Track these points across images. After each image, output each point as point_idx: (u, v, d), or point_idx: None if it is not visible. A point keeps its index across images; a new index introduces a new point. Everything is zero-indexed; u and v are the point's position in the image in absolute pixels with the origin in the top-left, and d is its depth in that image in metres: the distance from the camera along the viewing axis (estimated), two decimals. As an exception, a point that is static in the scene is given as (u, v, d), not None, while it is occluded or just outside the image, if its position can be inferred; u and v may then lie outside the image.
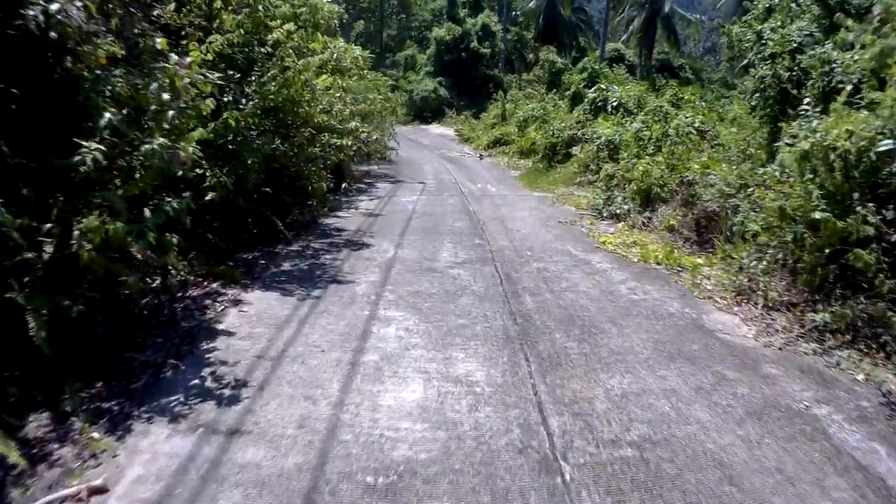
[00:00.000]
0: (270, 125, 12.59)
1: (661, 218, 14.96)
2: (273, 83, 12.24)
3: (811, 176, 9.46)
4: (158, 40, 8.03)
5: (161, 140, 7.30)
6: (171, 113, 7.53)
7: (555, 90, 37.97)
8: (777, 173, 10.74)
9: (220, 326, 8.87)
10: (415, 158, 30.68)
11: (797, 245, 9.51)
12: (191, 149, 7.69)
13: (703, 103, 24.60)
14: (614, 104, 25.72)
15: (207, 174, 10.70)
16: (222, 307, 9.63)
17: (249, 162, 11.40)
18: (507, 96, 43.20)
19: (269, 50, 13.13)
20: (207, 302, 9.79)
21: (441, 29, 58.83)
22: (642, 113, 21.44)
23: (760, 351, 8.38)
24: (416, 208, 17.85)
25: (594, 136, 22.05)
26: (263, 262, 12.07)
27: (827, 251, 9.06)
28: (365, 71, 25.02)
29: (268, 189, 12.79)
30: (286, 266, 11.86)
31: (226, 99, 11.77)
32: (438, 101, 54.18)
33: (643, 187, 16.03)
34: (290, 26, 13.26)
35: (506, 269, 11.82)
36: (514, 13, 70.31)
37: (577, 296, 10.35)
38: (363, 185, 22.14)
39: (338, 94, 14.99)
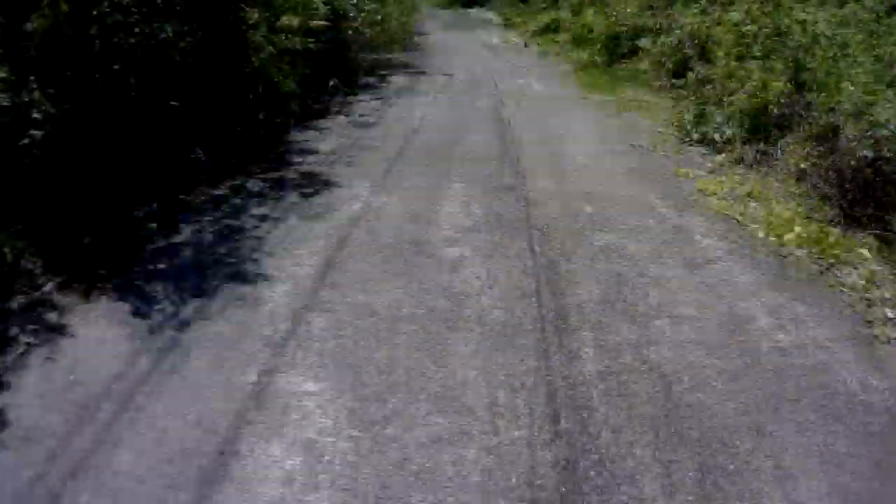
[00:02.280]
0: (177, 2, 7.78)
1: (783, 155, 10.09)
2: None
3: None
4: None
5: None
6: None
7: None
8: None
9: (-4, 402, 4.51)
10: (447, 45, 25.25)
11: None
12: None
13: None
14: (696, -15, 20.08)
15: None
16: (27, 344, 5.29)
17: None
18: (561, -25, 37.36)
19: None
20: (14, 331, 5.48)
21: None
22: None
23: None
24: (428, 115, 12.78)
25: (673, 26, 16.63)
26: (155, 224, 7.53)
27: None
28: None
29: (174, 102, 8.25)
30: (185, 234, 7.30)
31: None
32: (482, -18, 48.02)
33: (756, 105, 10.96)
34: None
35: (549, 248, 6.91)
36: None
37: (678, 337, 5.42)
38: (372, 79, 17.04)
39: None
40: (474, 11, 43.36)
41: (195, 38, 8.14)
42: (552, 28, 27.62)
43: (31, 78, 6.34)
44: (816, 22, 12.15)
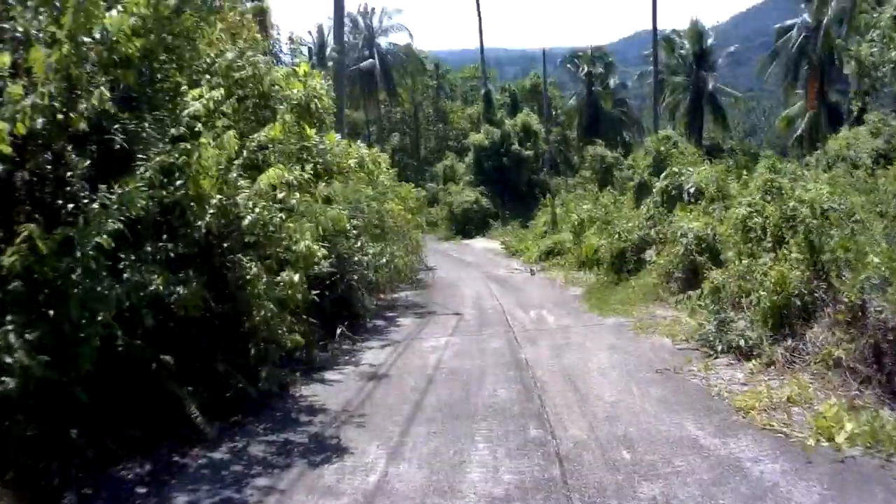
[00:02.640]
0: (170, 251, 7.52)
1: (813, 347, 9.70)
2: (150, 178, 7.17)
3: None
4: None
5: None
6: None
7: (609, 187, 33.28)
8: None
9: None
10: (453, 280, 25.18)
11: None
12: None
13: (806, 172, 19.41)
14: (691, 190, 20.26)
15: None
16: None
17: (84, 322, 6.30)
18: (557, 200, 38.19)
19: (184, 130, 8.29)
20: None
21: (479, 134, 54.38)
22: (747, 191, 15.86)
23: None
24: (441, 361, 12.06)
25: (677, 233, 16.44)
26: (145, 489, 6.88)
27: None
28: (380, 176, 20.16)
29: (167, 357, 7.89)
30: (179, 504, 6.47)
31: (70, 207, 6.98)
32: (481, 212, 49.15)
33: (778, 302, 10.58)
34: (217, 93, 8.42)
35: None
36: (554, 112, 66.73)
37: None
38: (381, 322, 16.57)
39: (279, 194, 9.30)
40: (475, 241, 44.10)
41: (190, 289, 7.73)
42: (556, 252, 27.71)
43: (8, 316, 5.88)
44: (823, 198, 11.99)
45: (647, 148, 30.12)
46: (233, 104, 9.42)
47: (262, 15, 18.65)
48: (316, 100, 12.45)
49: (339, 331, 13.60)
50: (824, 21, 41.58)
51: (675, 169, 22.02)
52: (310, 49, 58.80)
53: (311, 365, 11.68)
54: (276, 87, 11.57)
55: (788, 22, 48.81)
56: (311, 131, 12.55)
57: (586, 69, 63.96)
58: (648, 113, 65.18)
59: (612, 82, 65.70)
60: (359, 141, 19.30)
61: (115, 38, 6.77)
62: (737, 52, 74.24)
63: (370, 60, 64.21)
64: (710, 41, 59.17)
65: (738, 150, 55.31)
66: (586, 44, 68.60)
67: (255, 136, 9.48)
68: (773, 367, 9.92)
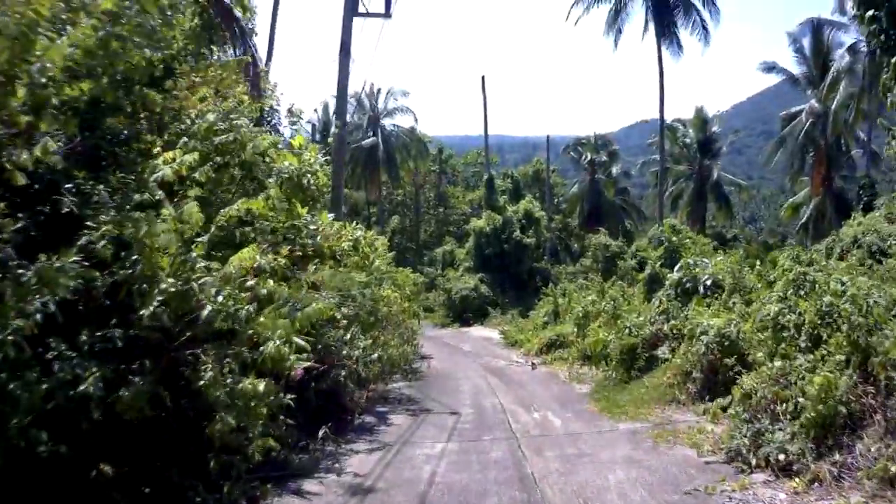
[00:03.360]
0: (118, 340, 6.24)
1: (865, 461, 8.54)
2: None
3: None
4: None
5: None
6: None
7: (613, 277, 32.26)
8: None
9: None
10: (450, 371, 23.87)
11: None
12: None
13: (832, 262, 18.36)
14: (708, 283, 19.11)
15: None
16: None
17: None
18: (558, 289, 37.00)
19: (147, 198, 7.17)
20: None
21: (480, 220, 53.55)
22: (776, 285, 14.56)
23: None
24: (436, 473, 10.55)
25: (696, 329, 15.07)
26: None
27: None
28: (377, 261, 18.92)
29: (106, 467, 6.71)
30: None
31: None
32: (480, 300, 47.85)
33: (824, 411, 9.30)
34: (190, 158, 7.30)
35: None
36: (556, 200, 66.39)
37: None
38: (371, 419, 15.11)
39: (249, 281, 7.87)
40: (473, 328, 42.80)
41: (133, 390, 6.38)
42: (558, 344, 26.41)
43: None
44: (863, 291, 10.76)
45: (651, 237, 29.09)
46: (207, 171, 8.21)
47: (255, 78, 17.69)
48: (310, 175, 11.35)
49: (321, 431, 12.14)
50: (832, 106, 41.08)
51: (690, 260, 20.92)
52: (314, 126, 58.44)
53: (288, 470, 10.28)
54: (265, 156, 10.43)
55: (794, 109, 48.62)
56: (302, 210, 11.38)
57: (589, 157, 63.98)
58: (649, 201, 65.19)
59: (615, 170, 65.74)
60: (355, 222, 18.07)
61: (52, 76, 5.62)
62: (737, 140, 74.96)
63: (373, 138, 64.02)
64: (714, 128, 59.28)
65: (742, 239, 54.87)
66: (589, 132, 68.74)
67: (227, 209, 8.24)
68: (818, 485, 8.73)
